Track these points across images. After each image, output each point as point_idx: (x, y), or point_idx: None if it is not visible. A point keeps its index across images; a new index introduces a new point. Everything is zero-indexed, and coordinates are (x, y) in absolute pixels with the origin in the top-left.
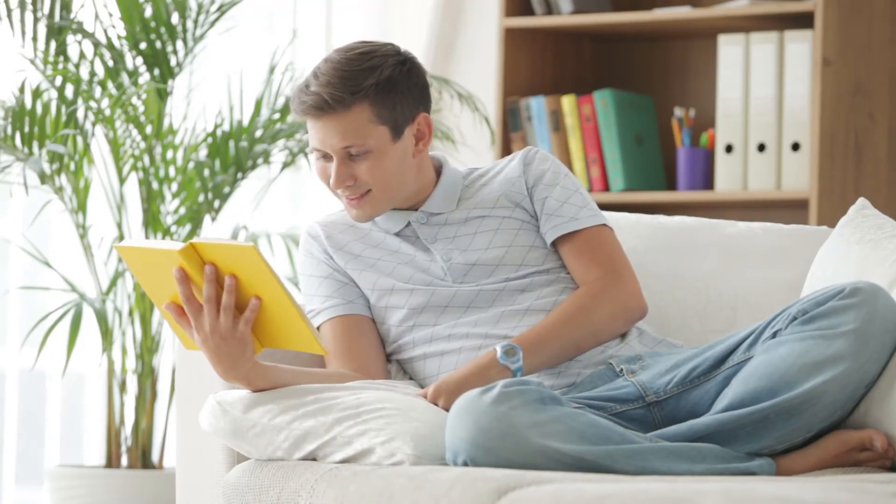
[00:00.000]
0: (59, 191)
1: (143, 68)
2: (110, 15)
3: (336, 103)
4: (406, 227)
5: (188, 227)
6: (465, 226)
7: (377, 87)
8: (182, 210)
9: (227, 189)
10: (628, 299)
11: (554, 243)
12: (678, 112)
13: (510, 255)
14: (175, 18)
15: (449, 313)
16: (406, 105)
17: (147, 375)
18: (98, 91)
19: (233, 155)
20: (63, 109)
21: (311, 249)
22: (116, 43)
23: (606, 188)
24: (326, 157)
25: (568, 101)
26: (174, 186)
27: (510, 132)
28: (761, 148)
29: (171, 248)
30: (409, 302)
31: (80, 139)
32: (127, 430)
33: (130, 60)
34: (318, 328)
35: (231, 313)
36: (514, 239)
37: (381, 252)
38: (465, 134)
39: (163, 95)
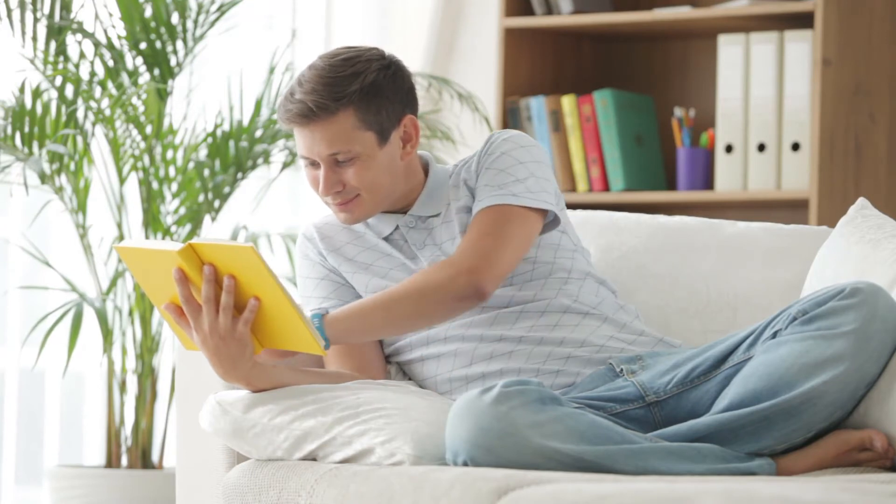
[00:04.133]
0: (59, 191)
1: (143, 68)
2: (110, 15)
3: (320, 111)
4: (395, 230)
5: (188, 227)
6: (448, 229)
7: (361, 93)
8: (182, 210)
9: (227, 189)
10: (459, 274)
11: None
12: (678, 112)
13: None
14: (175, 18)
15: None
16: (392, 109)
17: (147, 375)
18: (98, 91)
19: (233, 155)
20: (63, 109)
21: (307, 251)
22: (116, 43)
23: (606, 188)
24: (314, 164)
25: (568, 101)
26: (174, 186)
27: None
28: (761, 148)
29: (170, 248)
30: None
31: (80, 139)
32: (127, 430)
33: (130, 60)
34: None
35: (230, 314)
36: None
37: (376, 255)
38: (465, 134)
39: (163, 95)
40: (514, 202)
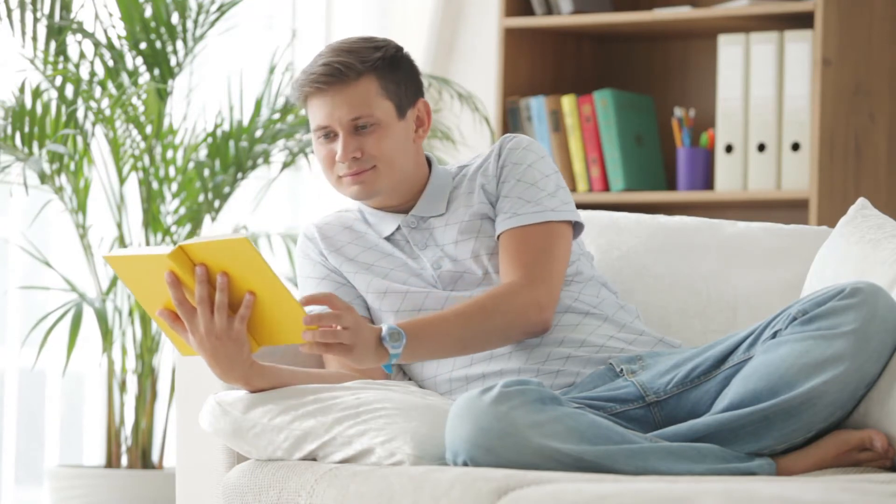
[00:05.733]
0: (59, 191)
1: (143, 68)
2: (110, 15)
3: (348, 70)
4: (396, 230)
5: (188, 227)
6: (452, 231)
7: (384, 62)
8: (182, 210)
9: (227, 189)
10: (530, 308)
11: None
12: (678, 112)
13: (495, 262)
14: (175, 18)
15: None
16: (409, 86)
17: (147, 375)
18: (98, 91)
19: (233, 155)
20: (63, 109)
21: (308, 251)
22: (116, 43)
23: (606, 188)
24: (330, 136)
25: (568, 101)
26: (174, 186)
27: (510, 132)
28: (761, 148)
29: (160, 252)
30: (403, 306)
31: (80, 139)
32: (127, 430)
33: (130, 60)
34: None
35: (225, 312)
36: (497, 245)
37: (377, 255)
38: (465, 134)
39: (163, 95)
40: (554, 217)
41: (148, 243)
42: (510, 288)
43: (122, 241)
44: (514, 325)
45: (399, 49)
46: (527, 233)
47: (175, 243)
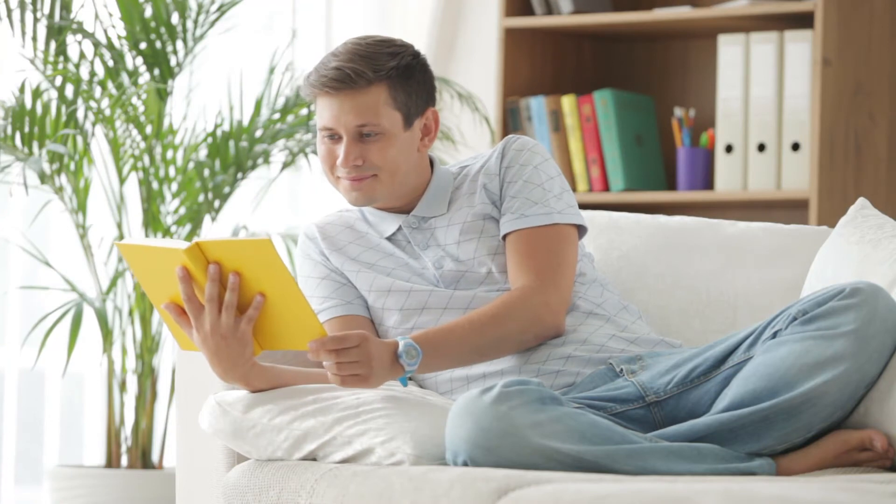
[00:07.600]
0: (59, 191)
1: (143, 68)
2: (110, 15)
3: (358, 77)
4: (398, 230)
5: (188, 227)
6: (454, 231)
7: (397, 71)
8: (182, 210)
9: (227, 189)
10: (542, 313)
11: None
12: (678, 112)
13: (498, 262)
14: (175, 18)
15: (446, 316)
16: (419, 96)
17: (147, 375)
18: (98, 91)
19: (233, 155)
20: (63, 109)
21: (308, 251)
22: (116, 43)
23: (606, 188)
24: (334, 138)
25: (568, 101)
26: (174, 186)
27: (510, 132)
28: (761, 148)
29: (175, 246)
30: (406, 304)
31: (80, 139)
32: (127, 430)
33: (130, 60)
34: None
35: (233, 312)
36: (500, 245)
37: (379, 254)
38: (465, 134)
39: (163, 95)
40: (561, 220)
41: None
42: (521, 293)
43: None
44: (528, 331)
45: (416, 56)
46: (535, 235)
47: (192, 239)
